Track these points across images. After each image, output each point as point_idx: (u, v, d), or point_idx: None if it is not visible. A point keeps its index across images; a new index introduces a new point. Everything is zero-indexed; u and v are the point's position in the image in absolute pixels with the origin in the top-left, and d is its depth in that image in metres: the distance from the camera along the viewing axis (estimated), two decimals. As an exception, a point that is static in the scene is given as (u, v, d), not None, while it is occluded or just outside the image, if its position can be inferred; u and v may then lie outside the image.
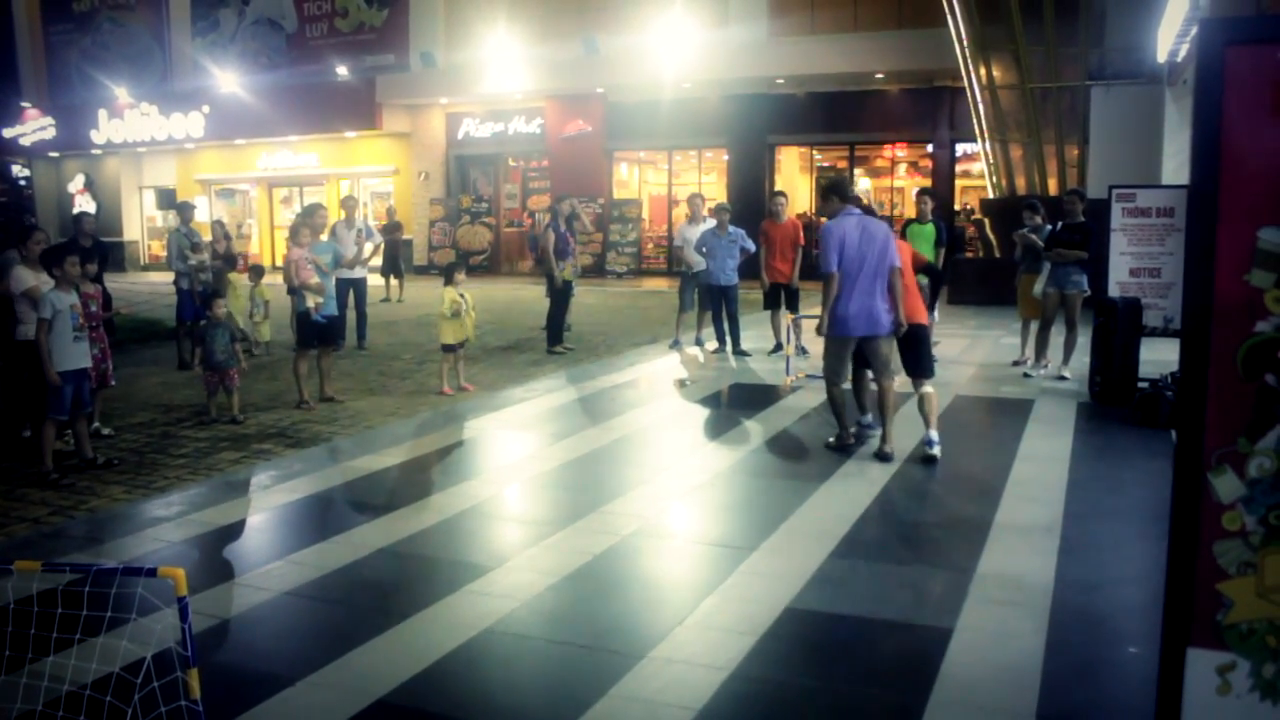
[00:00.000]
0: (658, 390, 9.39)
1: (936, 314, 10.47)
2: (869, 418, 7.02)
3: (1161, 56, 13.03)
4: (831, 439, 6.86)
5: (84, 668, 3.39)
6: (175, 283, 11.11)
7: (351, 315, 11.85)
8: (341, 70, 24.38)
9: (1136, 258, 8.68)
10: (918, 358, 6.75)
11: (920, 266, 7.43)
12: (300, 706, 3.43)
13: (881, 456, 6.48)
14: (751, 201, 20.09)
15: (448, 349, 9.20)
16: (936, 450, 6.47)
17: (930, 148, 20.82)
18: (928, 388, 6.68)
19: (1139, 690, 3.20)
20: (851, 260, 6.31)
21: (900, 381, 6.83)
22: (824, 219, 6.67)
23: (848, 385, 6.79)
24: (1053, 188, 16.25)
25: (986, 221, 17.94)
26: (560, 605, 4.33)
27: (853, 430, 6.87)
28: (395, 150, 25.44)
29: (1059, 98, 16.25)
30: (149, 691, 3.02)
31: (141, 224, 29.92)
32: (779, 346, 10.78)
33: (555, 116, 23.17)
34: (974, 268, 17.09)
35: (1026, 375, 9.48)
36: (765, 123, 21.57)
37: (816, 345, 6.87)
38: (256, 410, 8.52)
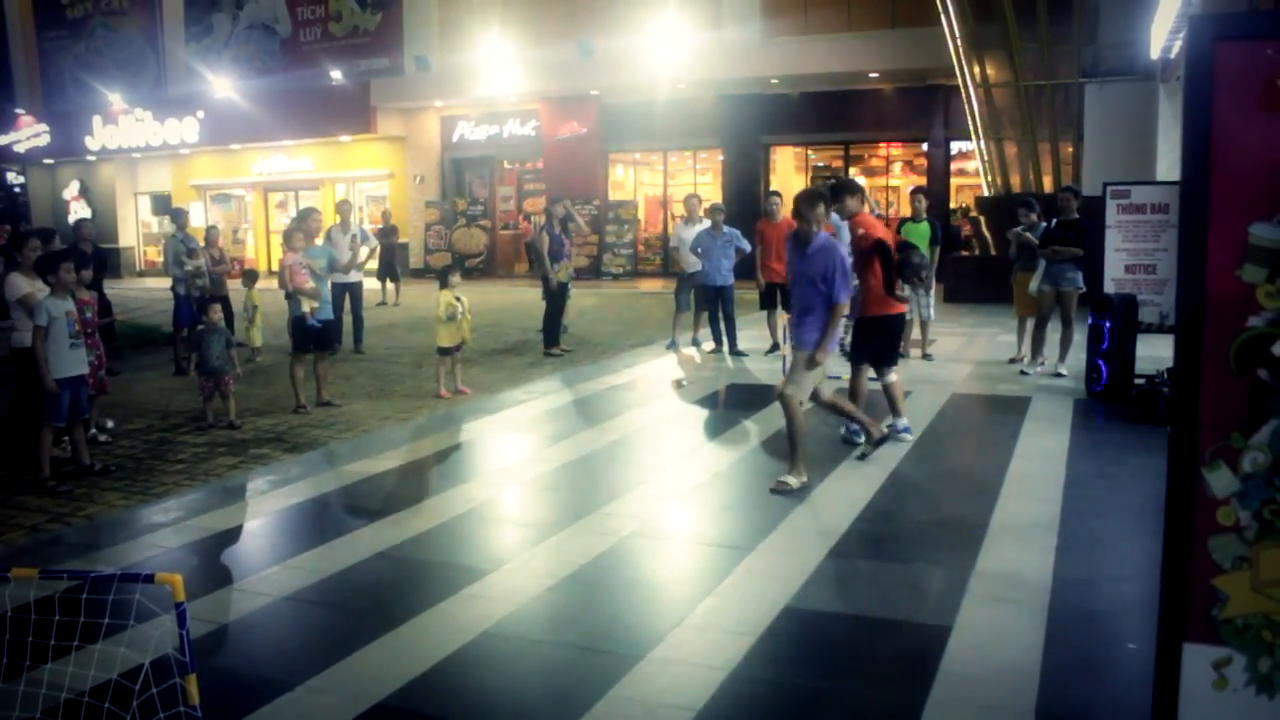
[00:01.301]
0: (655, 391, 9.39)
1: (933, 312, 10.49)
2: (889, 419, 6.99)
3: (1155, 53, 13.05)
4: (791, 480, 5.86)
5: (82, 674, 3.38)
6: (172, 288, 11.12)
7: (348, 319, 11.86)
8: (336, 74, 24.33)
9: (1132, 254, 8.69)
10: (891, 349, 6.94)
11: (899, 248, 7.43)
12: (299, 711, 3.43)
13: (879, 441, 6.50)
14: (747, 202, 20.09)
15: (444, 352, 9.20)
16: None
17: (925, 146, 20.83)
18: (893, 376, 6.92)
19: (1137, 686, 3.20)
20: None
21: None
22: (795, 219, 6.10)
23: (808, 405, 6.29)
24: (1048, 185, 16.26)
25: (982, 219, 17.95)
26: (559, 607, 4.33)
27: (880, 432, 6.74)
28: (390, 154, 25.42)
29: (1053, 95, 16.27)
30: (147, 698, 3.01)
31: (137, 230, 29.87)
32: (775, 346, 10.77)
33: (550, 118, 23.16)
34: (970, 266, 17.09)
35: (1023, 373, 9.49)
36: (760, 123, 21.58)
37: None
38: (253, 415, 8.51)
